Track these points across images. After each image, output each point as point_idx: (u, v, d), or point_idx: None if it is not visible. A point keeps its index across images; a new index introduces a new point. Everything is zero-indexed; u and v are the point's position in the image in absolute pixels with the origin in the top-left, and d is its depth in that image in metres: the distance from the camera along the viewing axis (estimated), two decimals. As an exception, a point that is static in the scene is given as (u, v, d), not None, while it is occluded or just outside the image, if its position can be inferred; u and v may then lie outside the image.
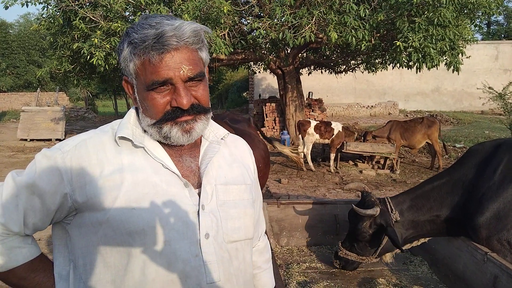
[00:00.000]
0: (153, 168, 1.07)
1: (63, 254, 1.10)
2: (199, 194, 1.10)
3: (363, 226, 3.00)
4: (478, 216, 2.65)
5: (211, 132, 1.21)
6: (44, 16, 9.08)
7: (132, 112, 1.16)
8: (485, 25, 33.09)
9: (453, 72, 8.36)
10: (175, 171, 1.08)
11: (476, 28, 11.11)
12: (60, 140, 14.44)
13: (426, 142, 9.46)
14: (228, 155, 1.23)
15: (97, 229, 1.03)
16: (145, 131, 1.12)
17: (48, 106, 17.38)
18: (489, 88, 11.74)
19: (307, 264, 3.41)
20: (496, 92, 11.82)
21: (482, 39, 26.14)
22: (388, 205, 2.99)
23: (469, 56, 9.37)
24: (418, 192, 3.00)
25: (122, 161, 1.06)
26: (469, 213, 2.74)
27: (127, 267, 1.02)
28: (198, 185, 1.12)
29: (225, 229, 1.12)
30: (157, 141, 1.11)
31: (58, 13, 8.60)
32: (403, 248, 3.04)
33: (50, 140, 14.42)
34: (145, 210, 1.03)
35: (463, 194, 2.82)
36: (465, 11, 8.36)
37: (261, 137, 4.48)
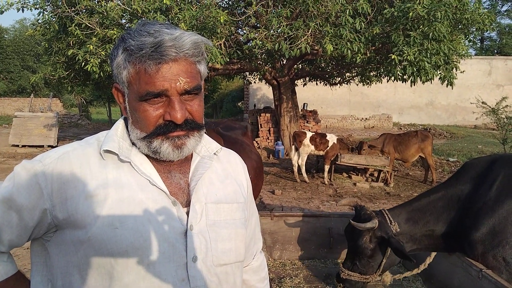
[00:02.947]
0: (139, 184, 1.01)
1: (41, 273, 1.03)
2: (187, 213, 1.03)
3: (363, 242, 2.89)
4: (474, 231, 2.63)
5: (203, 146, 1.15)
6: (39, 21, 9.04)
7: (120, 123, 1.10)
8: (479, 41, 33.55)
9: (447, 86, 8.41)
10: (163, 188, 1.02)
11: (470, 43, 11.22)
12: (52, 147, 14.31)
13: (419, 156, 9.48)
14: (220, 171, 1.17)
15: (78, 249, 0.96)
16: (133, 143, 1.05)
17: (41, 112, 17.26)
18: (483, 103, 11.85)
19: (300, 278, 3.36)
20: (489, 107, 11.93)
21: (476, 55, 26.44)
22: (387, 217, 2.92)
23: (463, 71, 9.44)
24: (414, 205, 2.96)
25: (107, 176, 1.00)
26: (464, 228, 2.71)
27: None
28: (187, 203, 1.06)
29: (215, 251, 1.05)
30: (146, 155, 1.05)
31: (54, 19, 8.57)
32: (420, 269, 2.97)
33: (42, 146, 14.28)
34: (128, 230, 0.96)
35: (459, 209, 2.79)
36: (460, 26, 8.44)
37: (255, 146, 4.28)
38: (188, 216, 1.03)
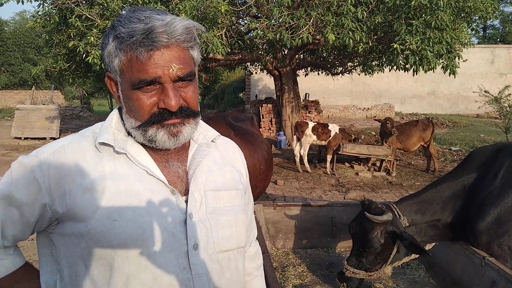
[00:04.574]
0: (136, 175, 1.01)
1: (50, 263, 1.04)
2: (186, 201, 1.03)
3: (374, 236, 2.75)
4: (479, 221, 2.63)
5: (200, 134, 1.14)
6: (40, 13, 9.00)
7: (114, 114, 1.09)
8: (481, 29, 33.26)
9: (449, 75, 8.36)
10: (160, 177, 1.02)
11: (473, 31, 11.14)
12: (54, 138, 14.33)
13: (421, 145, 9.47)
14: (219, 158, 1.17)
15: (80, 241, 0.97)
16: (128, 133, 1.05)
17: (43, 104, 17.26)
18: (485, 91, 11.79)
19: (303, 267, 3.38)
20: (492, 96, 11.87)
21: (478, 43, 26.25)
22: (395, 211, 2.83)
23: (466, 60, 9.38)
24: (421, 196, 2.92)
25: (104, 169, 1.00)
26: (469, 217, 2.71)
27: (110, 281, 0.97)
28: (186, 192, 1.05)
29: (216, 238, 1.06)
30: (142, 144, 1.04)
31: (54, 10, 8.53)
32: (413, 255, 2.88)
33: (44, 138, 14.31)
34: (127, 222, 0.96)
35: (465, 198, 2.79)
36: (462, 14, 8.38)
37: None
38: (187, 205, 1.03)
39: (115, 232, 0.95)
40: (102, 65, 7.92)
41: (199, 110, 1.07)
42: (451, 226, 2.84)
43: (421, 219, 2.87)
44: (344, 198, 3.09)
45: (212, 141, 1.16)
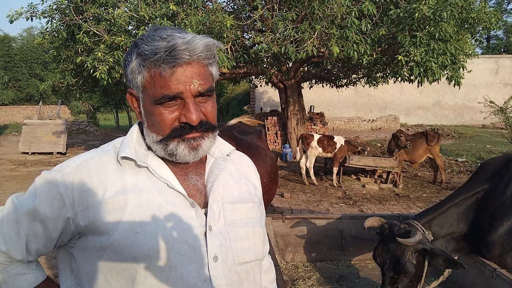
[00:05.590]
0: (157, 188, 1.03)
1: (70, 278, 1.06)
2: (206, 214, 1.05)
3: (407, 260, 2.60)
4: (491, 232, 2.61)
5: (216, 148, 1.17)
6: (48, 30, 9.16)
7: (135, 129, 1.11)
8: (485, 40, 33.34)
9: (454, 86, 8.38)
10: (180, 190, 1.04)
11: (477, 42, 11.17)
12: (61, 153, 14.43)
13: (427, 156, 9.44)
14: (234, 172, 1.19)
15: (101, 254, 0.98)
16: (148, 148, 1.07)
17: (50, 119, 17.39)
18: (490, 102, 11.77)
19: (313, 280, 3.37)
20: (497, 106, 11.85)
21: (482, 54, 26.27)
22: (419, 227, 2.75)
23: (470, 71, 9.39)
24: (439, 210, 2.88)
25: (126, 182, 1.02)
26: (481, 229, 2.70)
27: None
28: (205, 205, 1.07)
29: (235, 250, 1.07)
30: (162, 158, 1.06)
31: (62, 27, 8.68)
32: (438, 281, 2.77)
33: (51, 153, 14.40)
34: (149, 234, 0.98)
35: (477, 210, 2.78)
36: (466, 26, 8.42)
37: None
38: (206, 217, 1.05)
39: (138, 245, 0.97)
40: (109, 80, 8.02)
41: (217, 124, 1.10)
42: (466, 239, 2.81)
43: (440, 233, 2.82)
44: (364, 228, 2.89)
45: (228, 155, 1.18)
